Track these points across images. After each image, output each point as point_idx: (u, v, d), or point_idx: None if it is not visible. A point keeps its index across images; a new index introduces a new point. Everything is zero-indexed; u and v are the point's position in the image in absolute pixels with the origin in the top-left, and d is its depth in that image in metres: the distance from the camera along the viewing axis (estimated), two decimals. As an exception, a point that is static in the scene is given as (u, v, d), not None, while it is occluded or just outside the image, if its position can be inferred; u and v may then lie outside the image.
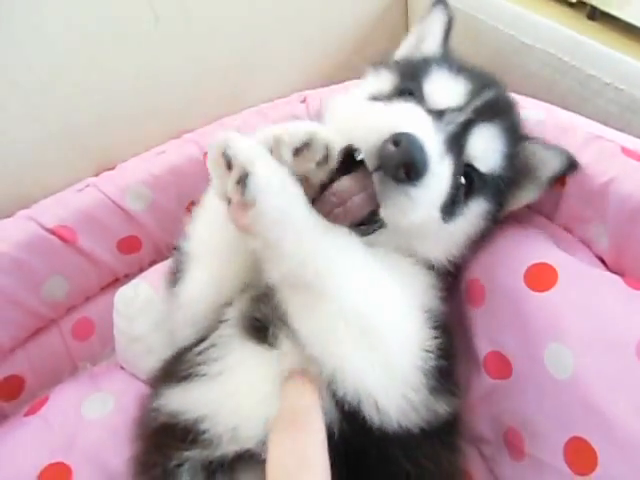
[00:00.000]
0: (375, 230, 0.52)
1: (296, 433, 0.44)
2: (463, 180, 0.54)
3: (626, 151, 0.56)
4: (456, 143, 0.52)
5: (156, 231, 0.83)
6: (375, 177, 0.47)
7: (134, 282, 0.75)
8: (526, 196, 0.61)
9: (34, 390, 0.75)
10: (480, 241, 0.62)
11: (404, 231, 0.52)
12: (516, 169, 0.57)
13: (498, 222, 0.63)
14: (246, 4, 0.85)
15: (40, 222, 0.71)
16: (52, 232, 0.72)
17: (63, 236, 0.73)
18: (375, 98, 0.60)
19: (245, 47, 0.78)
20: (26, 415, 0.70)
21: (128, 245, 0.81)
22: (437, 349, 0.50)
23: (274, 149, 0.46)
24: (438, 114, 0.52)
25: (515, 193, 0.61)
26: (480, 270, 0.66)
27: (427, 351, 0.50)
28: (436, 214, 0.53)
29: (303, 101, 0.87)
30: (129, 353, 0.74)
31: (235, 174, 0.43)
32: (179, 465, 0.50)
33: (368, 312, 0.47)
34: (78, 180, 0.78)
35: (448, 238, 0.58)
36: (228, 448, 0.49)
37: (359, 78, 0.87)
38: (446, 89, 0.55)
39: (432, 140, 0.48)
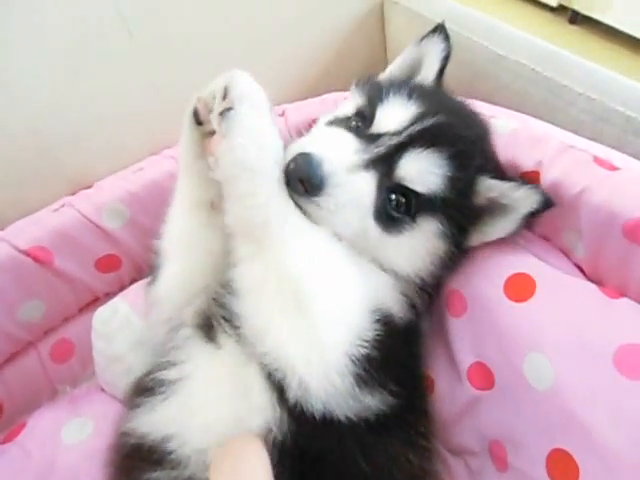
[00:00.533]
0: None
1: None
2: (394, 197, 0.57)
3: (598, 160, 0.56)
4: (384, 164, 0.56)
5: (135, 248, 0.82)
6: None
7: (112, 302, 0.74)
8: (501, 229, 0.61)
9: (12, 415, 0.74)
10: (452, 262, 0.63)
11: (354, 239, 0.56)
12: (467, 194, 0.59)
13: (466, 248, 0.64)
14: (222, 20, 0.85)
15: (14, 244, 0.70)
16: (26, 254, 0.71)
17: (38, 257, 0.72)
18: (331, 122, 0.65)
19: (223, 62, 0.77)
20: (3, 443, 0.68)
21: (107, 264, 0.80)
22: (375, 342, 0.50)
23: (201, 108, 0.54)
24: (373, 137, 0.57)
25: (485, 222, 0.62)
26: (460, 280, 0.66)
27: (360, 339, 0.49)
28: (370, 223, 0.57)
29: (282, 114, 0.87)
30: (108, 374, 0.73)
31: (224, 104, 0.48)
32: None
33: (305, 276, 0.48)
34: (54, 200, 0.77)
35: (409, 252, 0.60)
36: (195, 467, 0.49)
37: (337, 90, 0.87)
38: (392, 115, 0.59)
39: (338, 158, 0.54)
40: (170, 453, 0.50)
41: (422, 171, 0.56)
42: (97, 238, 0.77)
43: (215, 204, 0.59)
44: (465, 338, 0.65)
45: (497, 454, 0.61)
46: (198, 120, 0.57)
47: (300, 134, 0.65)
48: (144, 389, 0.56)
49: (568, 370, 0.54)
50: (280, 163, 0.52)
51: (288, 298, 0.48)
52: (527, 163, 0.61)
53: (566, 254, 0.65)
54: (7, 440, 0.68)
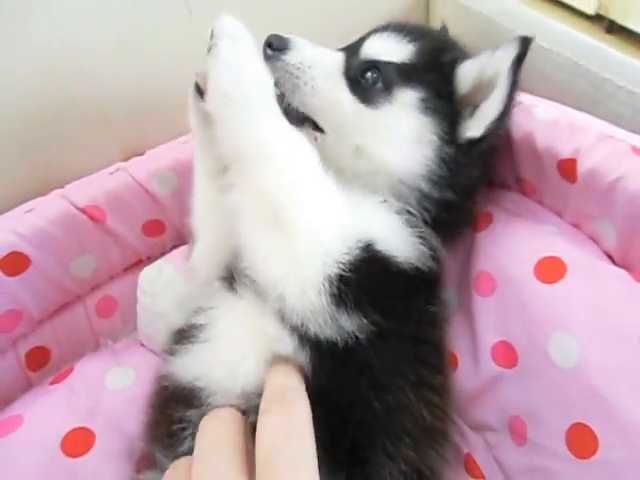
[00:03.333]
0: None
1: (284, 410, 0.46)
2: (368, 74, 0.61)
3: (637, 150, 0.58)
4: (351, 50, 0.65)
5: (179, 216, 0.86)
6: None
7: (157, 262, 0.79)
8: (497, 100, 0.58)
9: (58, 362, 0.79)
10: (453, 171, 0.61)
11: (333, 124, 0.60)
12: (437, 61, 0.62)
13: (454, 139, 0.61)
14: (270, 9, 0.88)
15: (72, 201, 0.75)
16: (83, 211, 0.76)
17: (93, 216, 0.77)
18: None
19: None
20: (51, 384, 0.73)
21: (152, 228, 0.85)
22: (352, 265, 0.51)
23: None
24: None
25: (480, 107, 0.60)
26: (491, 263, 0.69)
27: (336, 260, 0.50)
28: (344, 94, 0.61)
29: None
30: (151, 329, 0.77)
31: (209, 44, 0.53)
32: (183, 428, 0.53)
33: (283, 196, 0.51)
34: (109, 164, 0.82)
35: (392, 133, 0.60)
36: (221, 405, 0.52)
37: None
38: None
39: (301, 40, 0.62)
40: (200, 391, 0.54)
41: (386, 45, 0.62)
42: (146, 203, 0.82)
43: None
44: (491, 317, 0.67)
45: (516, 429, 0.64)
46: (201, 93, 0.61)
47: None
48: (179, 337, 0.60)
49: (594, 349, 0.56)
50: (265, 94, 0.54)
51: (267, 217, 0.51)
52: (565, 150, 0.62)
53: (596, 241, 0.66)
54: (55, 381, 0.73)
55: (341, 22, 0.96)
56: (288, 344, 0.52)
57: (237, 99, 0.52)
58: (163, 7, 0.79)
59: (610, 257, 0.65)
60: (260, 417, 0.45)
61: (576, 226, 0.68)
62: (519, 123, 0.67)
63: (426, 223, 0.62)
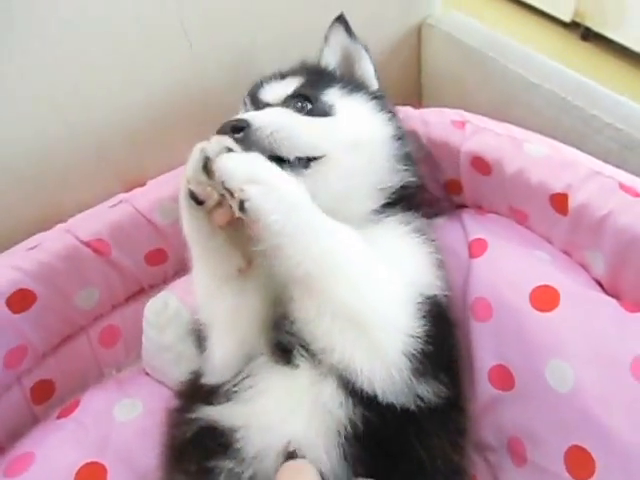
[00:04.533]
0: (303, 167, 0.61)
1: None
2: (298, 104, 0.68)
3: (623, 187, 0.62)
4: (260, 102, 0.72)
5: (181, 244, 0.87)
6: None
7: (163, 294, 0.80)
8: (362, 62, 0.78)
9: (63, 394, 0.80)
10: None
11: (323, 145, 0.63)
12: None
13: (382, 109, 0.73)
14: (260, 33, 0.90)
15: (77, 235, 0.76)
16: (88, 245, 0.77)
17: (98, 249, 0.77)
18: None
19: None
20: (59, 418, 0.74)
21: (155, 257, 0.86)
22: (425, 336, 0.55)
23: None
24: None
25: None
26: (488, 289, 0.72)
27: (413, 336, 0.54)
28: (303, 120, 0.65)
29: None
30: (158, 361, 0.78)
31: (235, 202, 0.49)
32: (216, 469, 0.54)
33: (353, 301, 0.53)
34: (110, 195, 0.83)
35: (352, 126, 0.68)
36: (257, 467, 0.53)
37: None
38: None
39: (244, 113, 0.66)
40: (235, 443, 0.54)
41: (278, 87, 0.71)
42: (149, 233, 0.83)
43: (243, 268, 0.60)
44: (488, 342, 0.70)
45: (515, 450, 0.67)
46: (197, 200, 0.55)
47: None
48: (211, 392, 0.59)
49: (588, 376, 0.59)
50: (309, 209, 0.54)
51: (344, 322, 0.53)
52: (557, 185, 0.66)
53: (585, 269, 0.70)
54: (63, 415, 0.74)
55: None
56: (342, 405, 0.54)
57: (290, 228, 0.51)
58: (164, 39, 0.80)
59: (600, 284, 0.69)
60: None
61: (566, 253, 0.72)
62: (512, 156, 0.71)
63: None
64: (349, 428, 0.53)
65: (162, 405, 0.74)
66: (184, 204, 0.57)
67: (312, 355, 0.55)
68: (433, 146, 0.80)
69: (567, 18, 2.17)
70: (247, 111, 0.72)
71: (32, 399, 0.77)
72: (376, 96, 0.74)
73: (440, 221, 0.84)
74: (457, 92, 0.92)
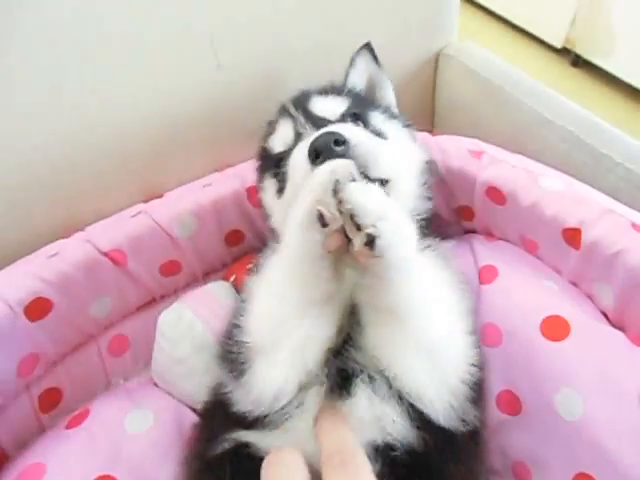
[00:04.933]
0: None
1: (349, 475, 0.47)
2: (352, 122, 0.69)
3: (635, 227, 0.65)
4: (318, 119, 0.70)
5: (195, 258, 0.88)
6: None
7: (176, 306, 0.80)
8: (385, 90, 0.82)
9: (70, 403, 0.79)
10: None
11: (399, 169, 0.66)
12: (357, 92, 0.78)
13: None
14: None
15: (96, 245, 0.76)
16: (106, 255, 0.77)
17: (116, 259, 0.77)
18: None
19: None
20: (68, 428, 0.73)
21: (169, 268, 0.86)
22: (478, 364, 0.60)
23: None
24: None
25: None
26: (498, 315, 0.74)
27: (472, 365, 0.59)
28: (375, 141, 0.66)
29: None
30: (168, 374, 0.78)
31: (361, 237, 0.49)
32: None
33: (435, 336, 0.57)
34: (128, 205, 0.83)
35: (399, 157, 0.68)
36: None
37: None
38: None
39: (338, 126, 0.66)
40: None
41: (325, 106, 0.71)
42: (166, 245, 0.83)
43: (333, 294, 0.57)
44: (497, 367, 0.72)
45: (520, 475, 0.69)
46: (323, 223, 0.51)
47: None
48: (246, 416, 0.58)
49: (597, 405, 0.62)
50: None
51: (423, 352, 0.56)
52: (571, 220, 0.69)
53: (592, 299, 0.73)
54: (73, 425, 0.73)
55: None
56: (400, 428, 0.56)
57: (408, 264, 0.53)
58: (193, 58, 0.81)
59: (605, 315, 0.71)
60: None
61: (574, 284, 0.75)
62: (527, 189, 0.73)
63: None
64: (394, 453, 0.54)
65: (173, 417, 0.75)
66: (307, 225, 0.52)
67: (372, 382, 0.57)
68: (449, 173, 0.82)
69: (558, 44, 2.20)
70: (298, 121, 0.69)
71: (40, 407, 0.76)
72: (407, 124, 0.76)
73: (448, 245, 0.86)
74: (470, 121, 0.95)
